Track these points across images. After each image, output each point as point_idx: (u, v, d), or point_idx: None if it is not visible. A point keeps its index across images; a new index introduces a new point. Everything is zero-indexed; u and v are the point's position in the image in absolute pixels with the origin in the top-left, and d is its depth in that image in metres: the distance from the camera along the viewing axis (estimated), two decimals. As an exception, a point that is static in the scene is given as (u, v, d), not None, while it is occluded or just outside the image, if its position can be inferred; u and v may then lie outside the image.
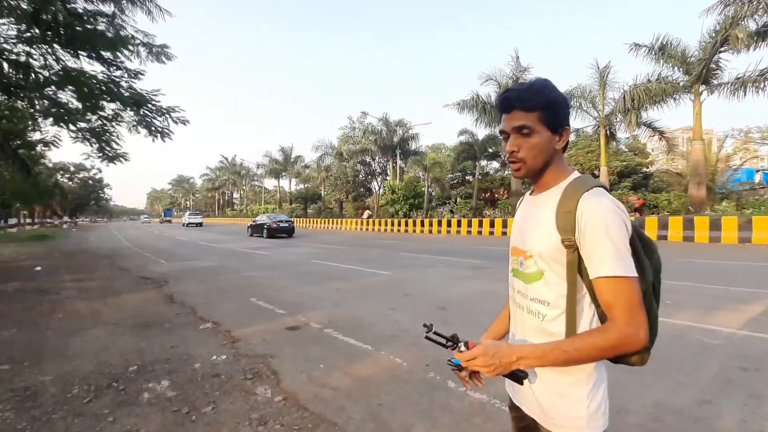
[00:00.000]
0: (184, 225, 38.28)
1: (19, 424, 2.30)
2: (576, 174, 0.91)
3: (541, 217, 0.90)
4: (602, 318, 0.84)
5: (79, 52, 9.44)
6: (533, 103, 0.85)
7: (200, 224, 38.03)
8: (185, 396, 2.62)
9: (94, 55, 9.65)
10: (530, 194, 1.01)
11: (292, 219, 24.74)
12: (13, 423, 2.31)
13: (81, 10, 8.90)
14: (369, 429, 2.18)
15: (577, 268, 0.83)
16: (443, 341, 0.83)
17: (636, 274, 0.79)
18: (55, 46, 9.22)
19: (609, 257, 0.78)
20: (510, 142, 0.89)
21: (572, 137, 23.11)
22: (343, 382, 2.81)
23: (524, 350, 0.80)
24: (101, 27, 9.38)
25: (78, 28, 8.85)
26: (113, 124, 11.42)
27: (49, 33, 8.66)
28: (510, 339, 1.03)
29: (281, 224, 19.79)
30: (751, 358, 3.04)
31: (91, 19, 9.20)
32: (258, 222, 21.18)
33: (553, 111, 0.87)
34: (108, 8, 9.51)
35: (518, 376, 0.81)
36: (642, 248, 0.88)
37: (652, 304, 0.87)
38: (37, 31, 8.53)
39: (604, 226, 0.79)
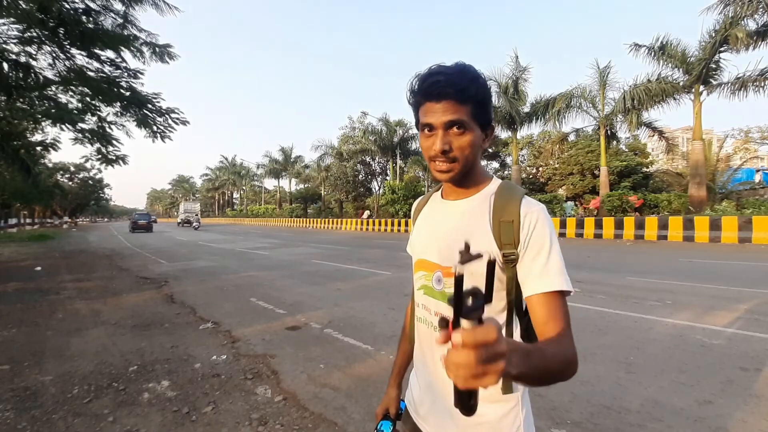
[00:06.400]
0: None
1: (19, 424, 2.30)
2: (496, 179, 0.83)
3: (472, 228, 0.77)
4: (528, 333, 0.78)
5: (92, 49, 9.43)
6: (469, 94, 0.72)
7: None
8: (185, 396, 2.62)
9: (103, 52, 9.65)
10: (441, 197, 0.87)
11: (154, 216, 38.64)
12: (13, 423, 2.31)
13: (83, 7, 8.90)
14: (369, 429, 2.18)
15: (515, 282, 0.74)
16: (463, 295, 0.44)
17: (572, 288, 0.73)
18: (65, 44, 9.22)
19: (559, 270, 0.71)
20: (440, 139, 0.73)
21: (572, 137, 23.49)
22: (343, 382, 2.81)
23: (512, 342, 0.52)
24: (109, 23, 9.41)
25: (89, 25, 8.86)
26: (116, 124, 11.45)
27: (60, 30, 8.65)
28: (419, 365, 0.91)
29: (149, 218, 30.43)
30: (751, 358, 3.04)
31: (100, 16, 9.22)
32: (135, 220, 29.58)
33: (485, 105, 0.75)
34: (118, 5, 9.53)
35: (471, 405, 0.49)
36: None
37: None
38: (44, 31, 8.53)
39: (550, 236, 0.72)
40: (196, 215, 39.14)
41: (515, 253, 0.73)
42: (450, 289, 0.79)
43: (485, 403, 0.75)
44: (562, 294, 0.70)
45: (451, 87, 0.71)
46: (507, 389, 0.76)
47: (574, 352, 0.66)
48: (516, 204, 0.74)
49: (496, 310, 0.78)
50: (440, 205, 0.87)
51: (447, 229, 0.82)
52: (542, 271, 0.71)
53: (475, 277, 0.74)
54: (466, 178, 0.80)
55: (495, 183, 0.82)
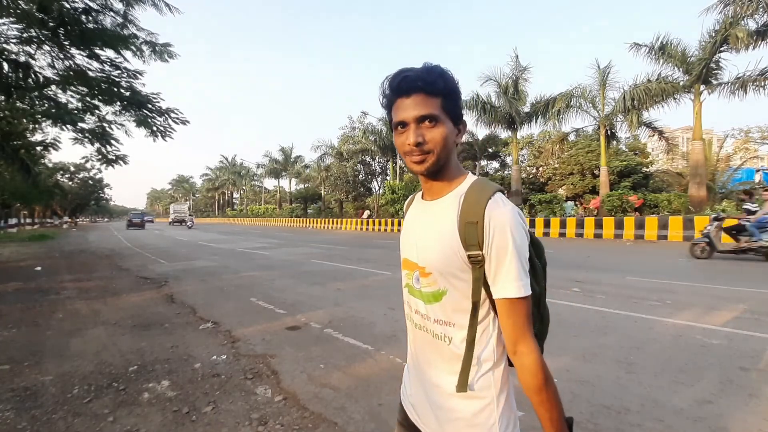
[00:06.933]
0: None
1: (19, 424, 2.30)
2: (471, 177, 0.83)
3: (441, 229, 0.79)
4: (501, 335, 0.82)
5: (92, 49, 9.42)
6: (438, 87, 0.75)
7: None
8: (185, 396, 2.62)
9: (103, 51, 9.65)
10: (422, 198, 0.90)
11: (150, 216, 47.23)
12: (13, 423, 2.31)
13: (83, 7, 8.88)
14: (369, 429, 2.18)
15: (483, 283, 0.76)
16: None
17: (530, 292, 0.74)
18: (65, 44, 9.21)
19: (515, 275, 0.72)
20: (414, 132, 0.75)
21: (572, 137, 23.47)
22: (344, 381, 2.81)
23: None
24: (108, 22, 9.41)
25: (89, 25, 8.87)
26: (115, 123, 11.44)
27: (60, 30, 8.64)
28: (409, 360, 0.95)
29: (142, 217, 38.42)
30: (751, 358, 3.04)
31: (99, 15, 9.22)
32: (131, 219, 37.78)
33: (455, 99, 0.79)
34: (118, 5, 9.53)
35: None
36: (534, 251, 0.84)
37: (546, 303, 0.89)
38: (44, 31, 8.52)
39: (512, 240, 0.72)
40: (190, 215, 46.23)
41: (480, 255, 0.74)
42: (426, 289, 0.83)
43: (460, 399, 0.79)
44: (522, 299, 0.72)
45: (419, 81, 0.75)
46: (461, 388, 0.78)
47: (535, 359, 0.73)
48: (482, 205, 0.74)
49: (463, 308, 0.79)
50: (420, 205, 0.90)
51: (423, 229, 0.85)
52: (503, 277, 0.73)
53: (445, 276, 0.80)
54: (441, 175, 0.82)
55: (468, 181, 0.82)
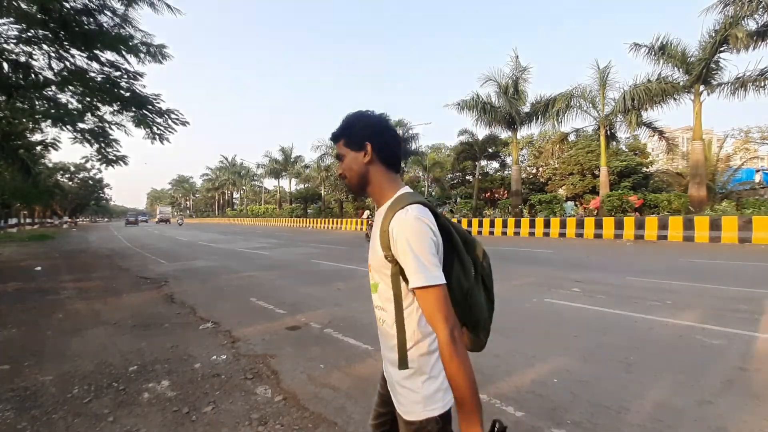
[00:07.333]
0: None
1: (19, 424, 2.30)
2: (400, 192, 1.01)
3: (375, 234, 1.00)
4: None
5: (92, 51, 9.42)
6: (336, 134, 1.07)
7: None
8: (185, 396, 2.62)
9: (102, 53, 9.65)
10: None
11: (145, 217, 55.28)
12: (13, 423, 2.31)
13: (81, 7, 8.88)
14: (369, 429, 2.18)
15: (401, 278, 0.94)
16: None
17: (442, 281, 0.88)
18: (65, 44, 9.21)
19: (413, 270, 0.88)
20: (338, 167, 1.10)
21: (572, 137, 23.46)
22: (343, 381, 2.81)
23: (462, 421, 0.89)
24: (106, 23, 9.40)
25: (90, 26, 8.87)
26: (114, 123, 11.44)
27: (61, 32, 8.65)
28: None
29: (137, 217, 50.79)
30: (751, 358, 3.04)
31: (98, 16, 9.22)
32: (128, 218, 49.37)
33: (351, 135, 1.04)
34: (117, 4, 9.52)
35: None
36: (466, 248, 1.01)
37: (476, 297, 1.02)
38: (45, 32, 8.53)
39: (407, 242, 0.89)
40: (180, 215, 57.88)
41: (391, 255, 0.93)
42: (371, 281, 1.06)
43: (392, 366, 0.99)
44: (430, 287, 0.88)
45: (332, 138, 1.09)
46: (395, 360, 0.96)
47: (448, 338, 0.87)
48: (390, 216, 0.94)
49: (389, 298, 0.97)
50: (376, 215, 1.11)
51: (372, 233, 1.05)
52: (408, 271, 0.90)
53: (377, 271, 1.01)
54: (369, 191, 1.06)
55: (395, 196, 1.01)
